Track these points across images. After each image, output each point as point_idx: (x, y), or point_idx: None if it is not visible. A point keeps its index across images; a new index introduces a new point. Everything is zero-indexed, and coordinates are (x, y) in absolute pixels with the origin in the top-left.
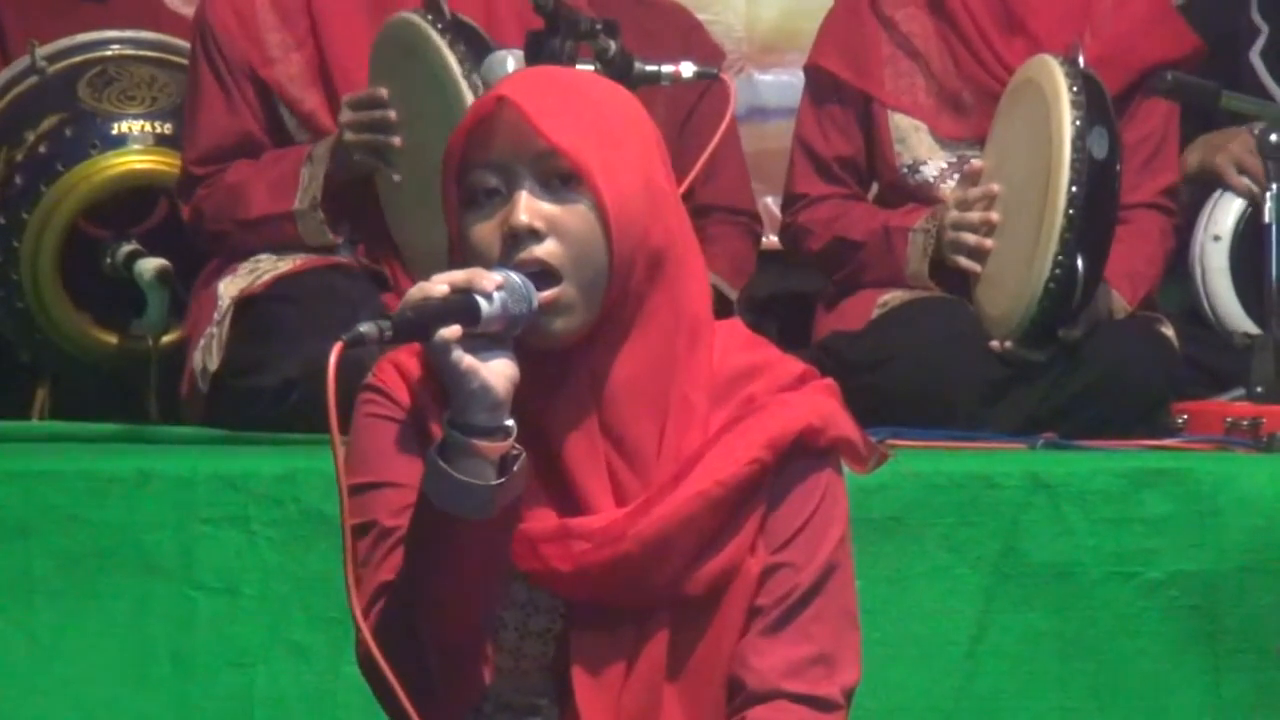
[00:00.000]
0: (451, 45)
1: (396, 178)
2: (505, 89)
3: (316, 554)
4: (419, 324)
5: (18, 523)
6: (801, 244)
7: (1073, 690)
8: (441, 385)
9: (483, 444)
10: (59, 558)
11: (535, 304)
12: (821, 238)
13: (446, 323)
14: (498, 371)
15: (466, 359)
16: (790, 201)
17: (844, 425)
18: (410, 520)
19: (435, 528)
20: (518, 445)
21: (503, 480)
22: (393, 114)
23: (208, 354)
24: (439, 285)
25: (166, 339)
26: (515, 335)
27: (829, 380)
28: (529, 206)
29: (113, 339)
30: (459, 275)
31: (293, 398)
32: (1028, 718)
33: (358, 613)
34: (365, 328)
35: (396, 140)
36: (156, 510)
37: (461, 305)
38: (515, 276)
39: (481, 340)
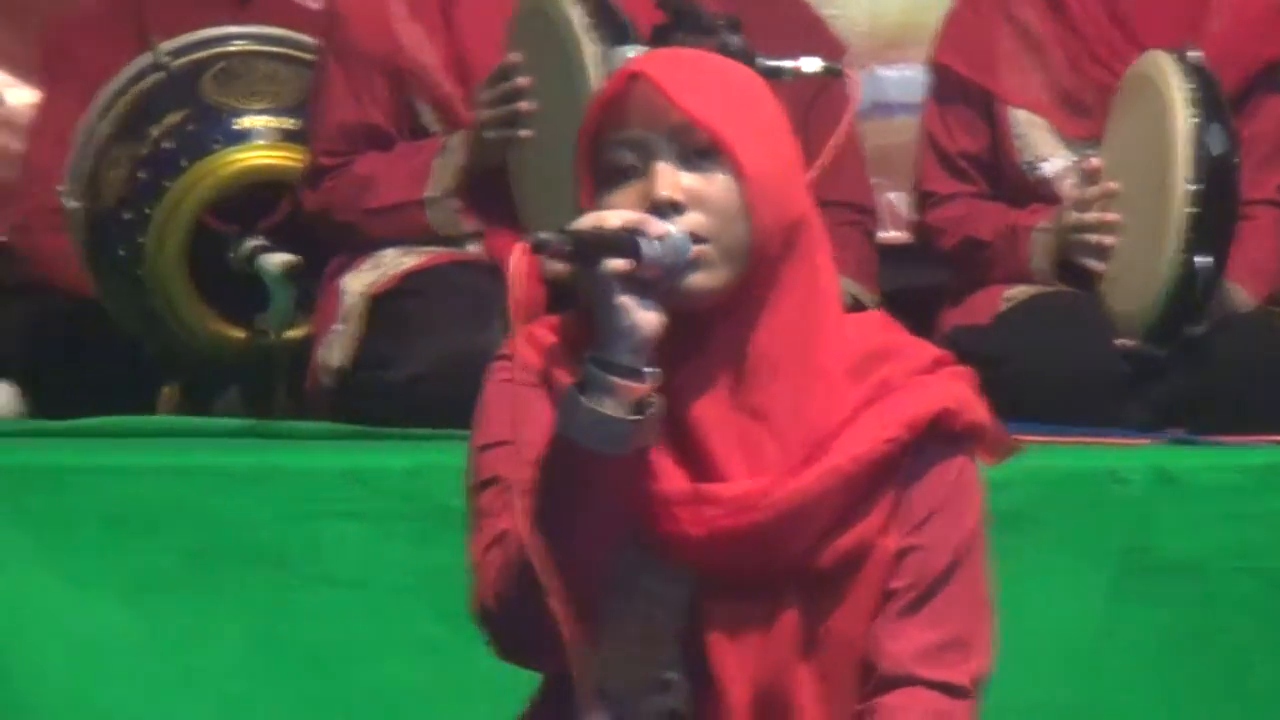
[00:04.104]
0: (578, 5)
1: (524, 133)
2: (637, 65)
3: (445, 548)
4: (590, 247)
5: (145, 518)
6: (933, 243)
7: (1202, 687)
8: (573, 348)
9: (622, 382)
10: (186, 553)
11: (689, 258)
12: (952, 237)
13: (612, 255)
14: (647, 315)
15: (622, 295)
16: (921, 200)
17: (979, 412)
18: (540, 462)
19: (563, 464)
20: (655, 394)
21: (637, 418)
22: (523, 80)
23: (333, 349)
24: (613, 217)
25: (292, 334)
26: (665, 288)
27: (964, 367)
28: (670, 180)
29: (238, 334)
30: (631, 214)
31: (421, 392)
32: (1157, 715)
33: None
34: (548, 235)
35: (525, 105)
36: (284, 505)
37: (628, 242)
38: (675, 230)
39: (637, 283)
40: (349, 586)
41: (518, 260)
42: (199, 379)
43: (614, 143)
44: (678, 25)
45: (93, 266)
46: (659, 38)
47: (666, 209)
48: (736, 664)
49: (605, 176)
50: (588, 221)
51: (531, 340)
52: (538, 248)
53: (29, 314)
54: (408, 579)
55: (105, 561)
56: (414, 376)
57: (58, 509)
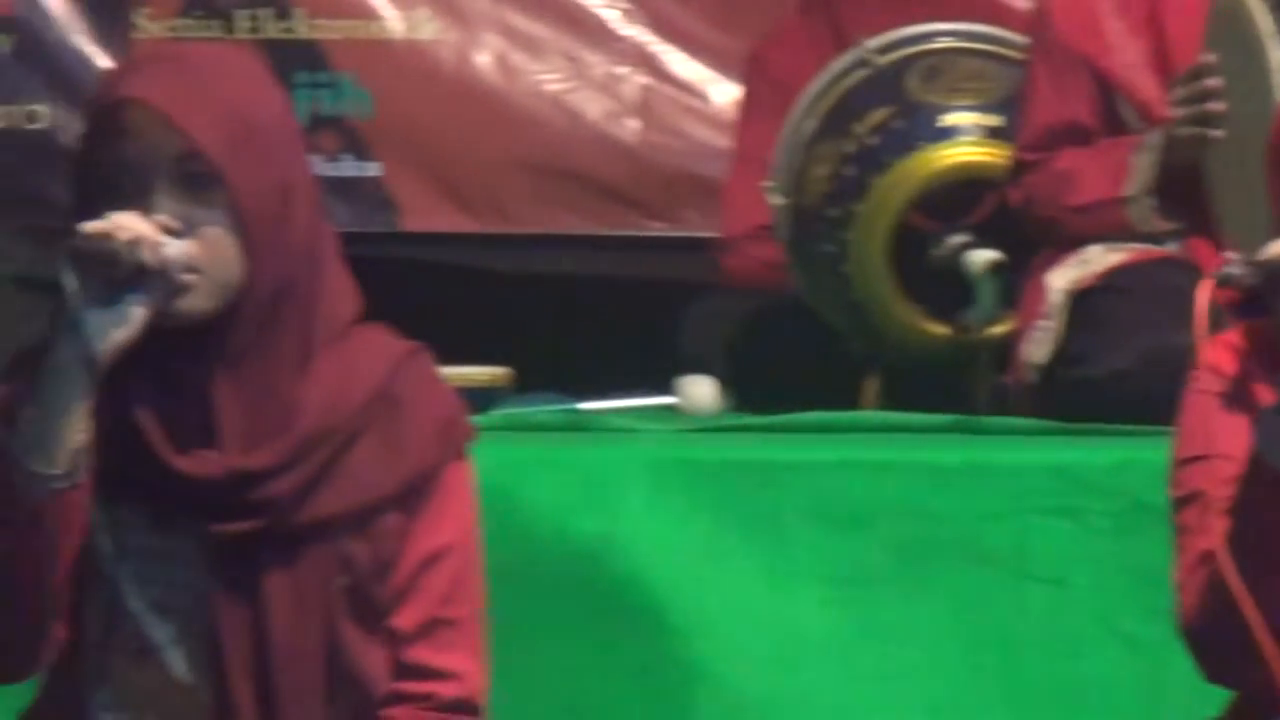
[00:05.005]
0: (1267, 10)
1: (1215, 134)
2: None
3: (1149, 545)
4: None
5: (854, 513)
6: None
7: None
8: (1270, 360)
9: None
10: (894, 548)
11: None
12: None
13: None
14: None
15: None
16: None
17: None
18: (1238, 481)
19: (1261, 484)
20: None
21: None
22: (1214, 81)
23: (1037, 345)
24: None
25: (995, 330)
26: None
27: None
28: None
29: (942, 330)
30: None
31: (1124, 389)
32: None
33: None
34: (1234, 269)
35: (1215, 106)
36: (988, 500)
37: None
38: None
39: None
40: (1051, 582)
41: (1203, 295)
42: (901, 374)
43: None
44: None
45: (797, 262)
46: None
47: None
48: None
49: None
50: (1274, 250)
51: (1226, 351)
52: (1223, 282)
53: (731, 311)
54: (1110, 575)
55: (811, 556)
56: (1116, 373)
57: (764, 504)
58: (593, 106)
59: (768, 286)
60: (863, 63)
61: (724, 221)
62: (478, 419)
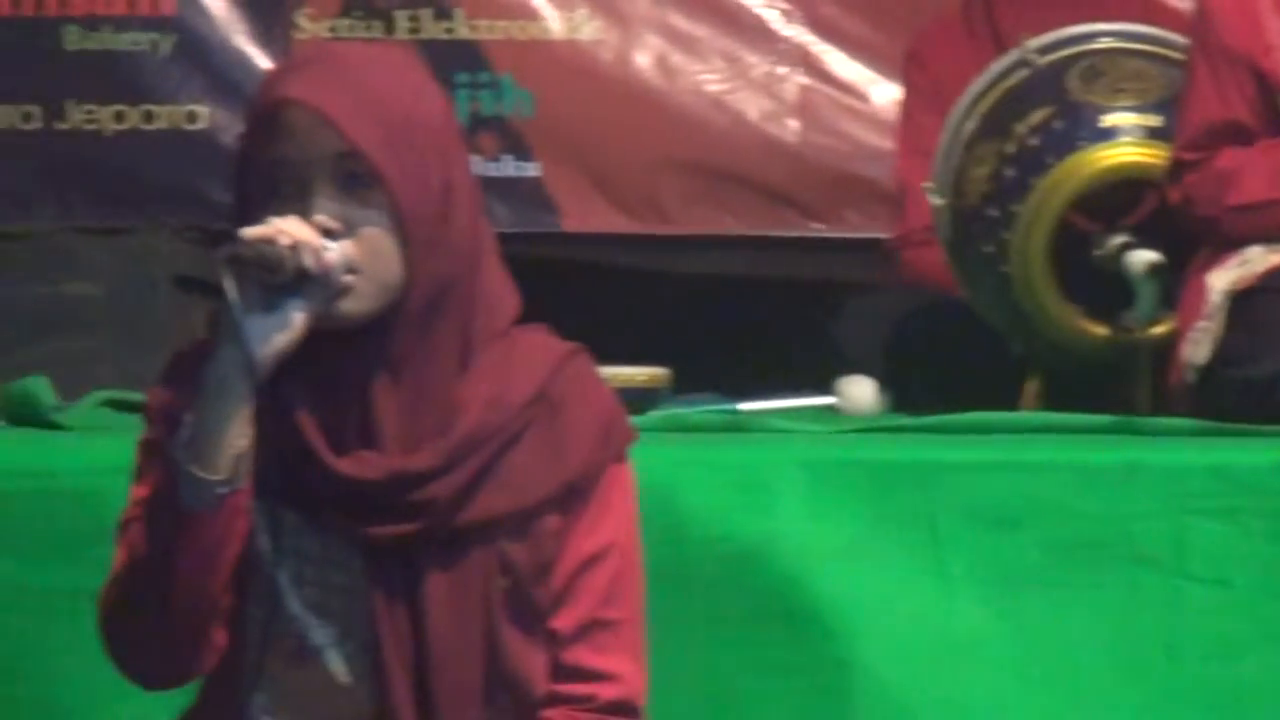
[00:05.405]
0: None
1: None
2: None
3: None
4: None
5: (1009, 513)
6: None
7: None
8: None
9: None
10: (1050, 548)
11: None
12: None
13: None
14: None
15: None
16: None
17: None
18: None
19: None
20: None
21: None
22: None
23: (1196, 346)
24: None
25: (1156, 331)
26: None
27: None
28: None
29: (1102, 331)
30: None
31: None
32: None
33: None
34: None
35: None
36: (1146, 501)
37: None
38: None
39: None
40: (1209, 584)
41: None
42: (1061, 374)
43: None
44: None
45: (958, 263)
46: None
47: None
48: None
49: None
50: None
51: None
52: None
53: (891, 311)
54: (1270, 577)
55: (969, 557)
56: (1277, 374)
57: (922, 504)
58: (752, 107)
59: (940, 286)
60: (1024, 63)
61: (904, 216)
62: (637, 420)
